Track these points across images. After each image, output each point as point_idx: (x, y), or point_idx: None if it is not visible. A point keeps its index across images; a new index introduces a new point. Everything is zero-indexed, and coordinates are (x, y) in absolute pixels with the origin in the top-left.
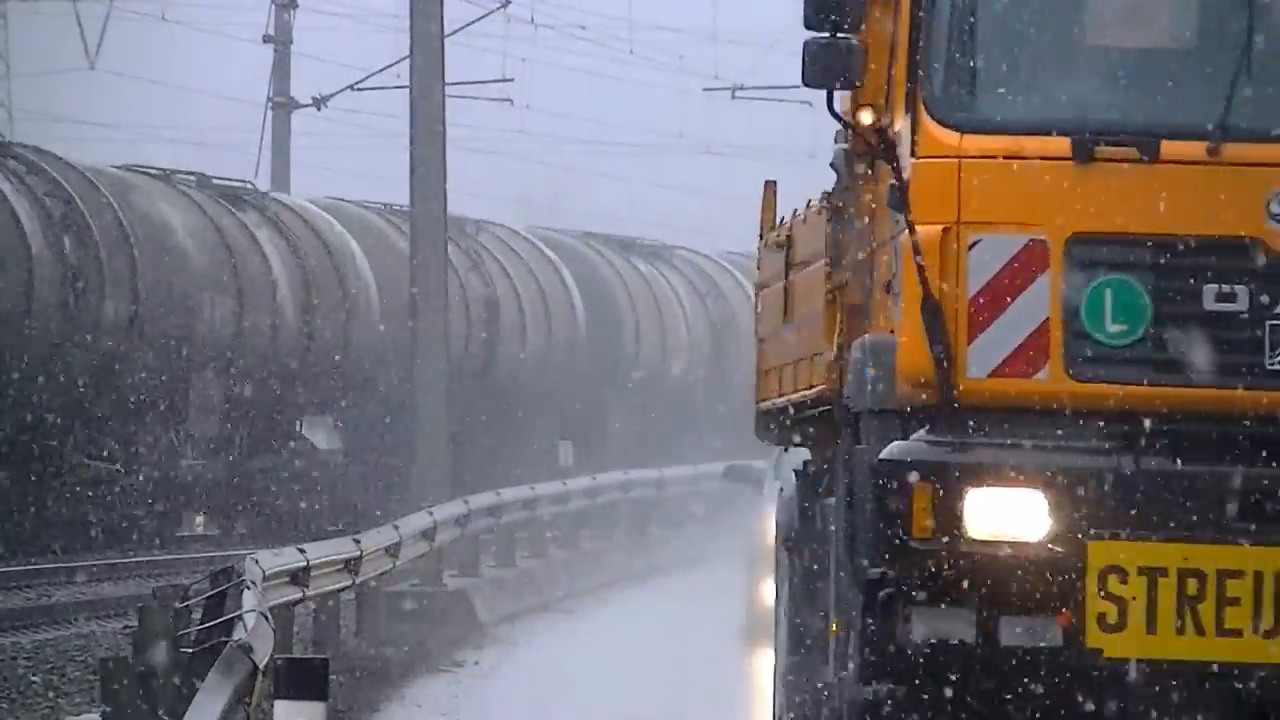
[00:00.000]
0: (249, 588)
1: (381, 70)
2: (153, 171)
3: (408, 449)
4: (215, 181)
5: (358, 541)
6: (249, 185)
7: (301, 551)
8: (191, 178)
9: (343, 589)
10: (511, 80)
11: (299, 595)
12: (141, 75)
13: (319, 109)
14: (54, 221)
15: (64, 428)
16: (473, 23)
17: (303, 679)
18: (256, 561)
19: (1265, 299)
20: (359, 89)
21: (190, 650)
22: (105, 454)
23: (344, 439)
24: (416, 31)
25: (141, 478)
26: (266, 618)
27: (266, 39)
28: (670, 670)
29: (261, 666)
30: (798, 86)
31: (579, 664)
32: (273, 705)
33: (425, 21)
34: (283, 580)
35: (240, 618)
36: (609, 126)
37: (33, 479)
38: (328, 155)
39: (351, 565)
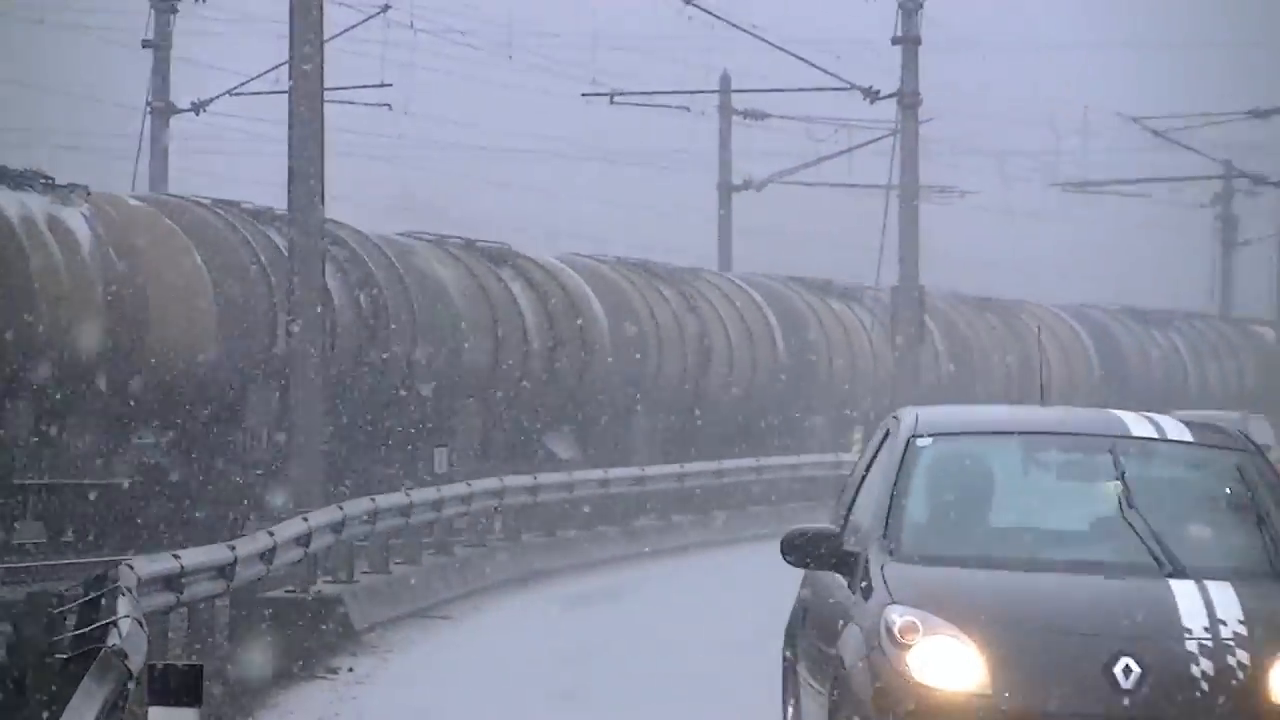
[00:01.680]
0: (124, 593)
1: (260, 75)
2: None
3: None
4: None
5: (232, 548)
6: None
7: (176, 557)
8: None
9: (218, 595)
10: (391, 85)
11: (173, 601)
12: (11, 79)
13: (197, 114)
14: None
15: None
16: (352, 27)
17: (177, 685)
18: (131, 567)
19: None
20: (236, 94)
21: (65, 656)
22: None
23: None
24: (295, 36)
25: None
26: (141, 623)
27: (146, 44)
28: (545, 675)
29: (136, 672)
30: (676, 91)
31: (455, 671)
32: (146, 711)
33: (304, 27)
34: (157, 586)
35: (115, 623)
36: (488, 131)
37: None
38: (205, 160)
39: (226, 571)
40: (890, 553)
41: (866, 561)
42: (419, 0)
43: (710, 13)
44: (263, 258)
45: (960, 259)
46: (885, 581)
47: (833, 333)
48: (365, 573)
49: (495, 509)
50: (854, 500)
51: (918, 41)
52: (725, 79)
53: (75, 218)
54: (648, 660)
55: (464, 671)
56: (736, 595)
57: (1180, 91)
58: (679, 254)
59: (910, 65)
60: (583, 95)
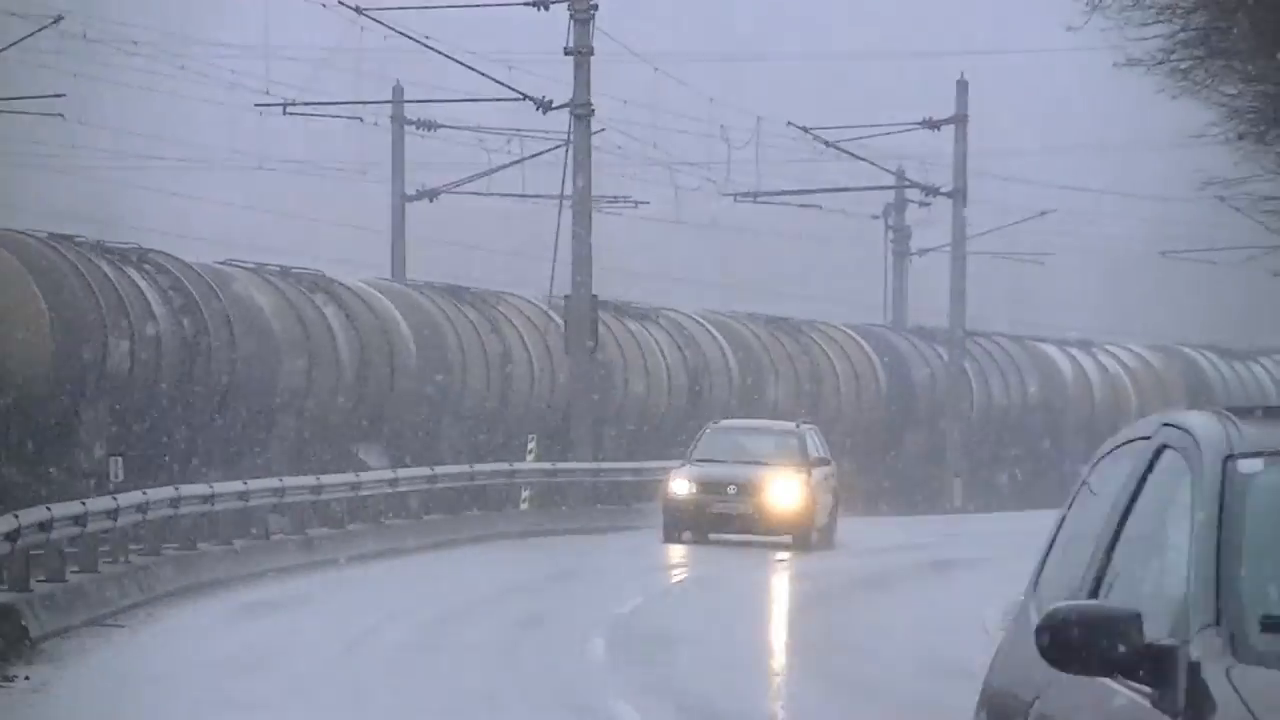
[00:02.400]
0: None
1: None
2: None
3: None
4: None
5: None
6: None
7: None
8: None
9: None
10: (63, 95)
11: None
12: None
13: None
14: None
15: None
16: (25, 38)
17: None
18: None
19: None
20: None
21: None
22: None
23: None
24: None
25: None
26: None
27: None
28: (218, 680)
29: None
30: (349, 102)
31: (132, 678)
32: None
33: None
34: None
35: None
36: (161, 142)
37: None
38: None
39: None
40: (1233, 650)
41: (1191, 664)
42: (93, 10)
43: (383, 24)
44: (94, 284)
45: (635, 269)
46: (1241, 698)
47: (629, 350)
48: (41, 580)
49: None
50: (1107, 558)
51: (590, 52)
52: (398, 90)
53: None
54: (320, 668)
55: (138, 679)
56: (420, 597)
57: (853, 102)
58: (353, 265)
59: (582, 76)
60: (256, 106)
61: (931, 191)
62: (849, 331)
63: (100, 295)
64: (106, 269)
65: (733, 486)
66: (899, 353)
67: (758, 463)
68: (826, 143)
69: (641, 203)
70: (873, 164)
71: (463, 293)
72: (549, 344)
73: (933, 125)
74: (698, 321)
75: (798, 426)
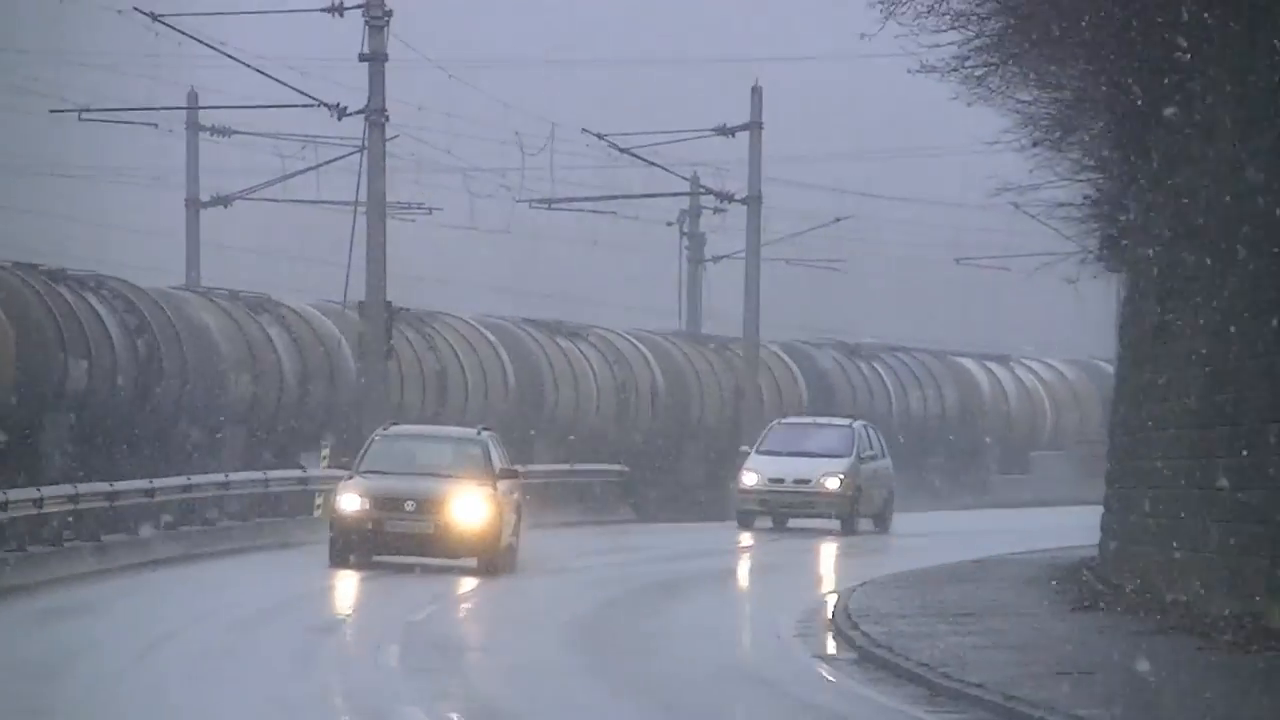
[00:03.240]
0: None
1: None
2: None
3: None
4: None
5: None
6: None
7: None
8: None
9: None
10: None
11: None
12: None
13: None
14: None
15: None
16: None
17: None
18: None
19: None
20: None
21: None
22: None
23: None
24: None
25: None
26: None
27: None
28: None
29: None
30: (144, 108)
31: None
32: None
33: None
34: None
35: None
36: None
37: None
38: None
39: None
40: None
41: None
42: None
43: (178, 30)
44: (54, 309)
45: (430, 275)
46: None
47: (559, 365)
48: None
49: None
50: None
51: (384, 58)
52: (193, 95)
53: None
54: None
55: None
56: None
57: (649, 108)
58: (147, 273)
59: (377, 82)
60: (51, 112)
61: (726, 198)
62: (629, 339)
63: (60, 319)
64: (66, 294)
65: (411, 502)
66: (676, 364)
67: (438, 475)
68: (621, 149)
69: (436, 209)
70: (667, 170)
71: (399, 314)
72: (482, 359)
73: (727, 132)
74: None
75: (479, 434)
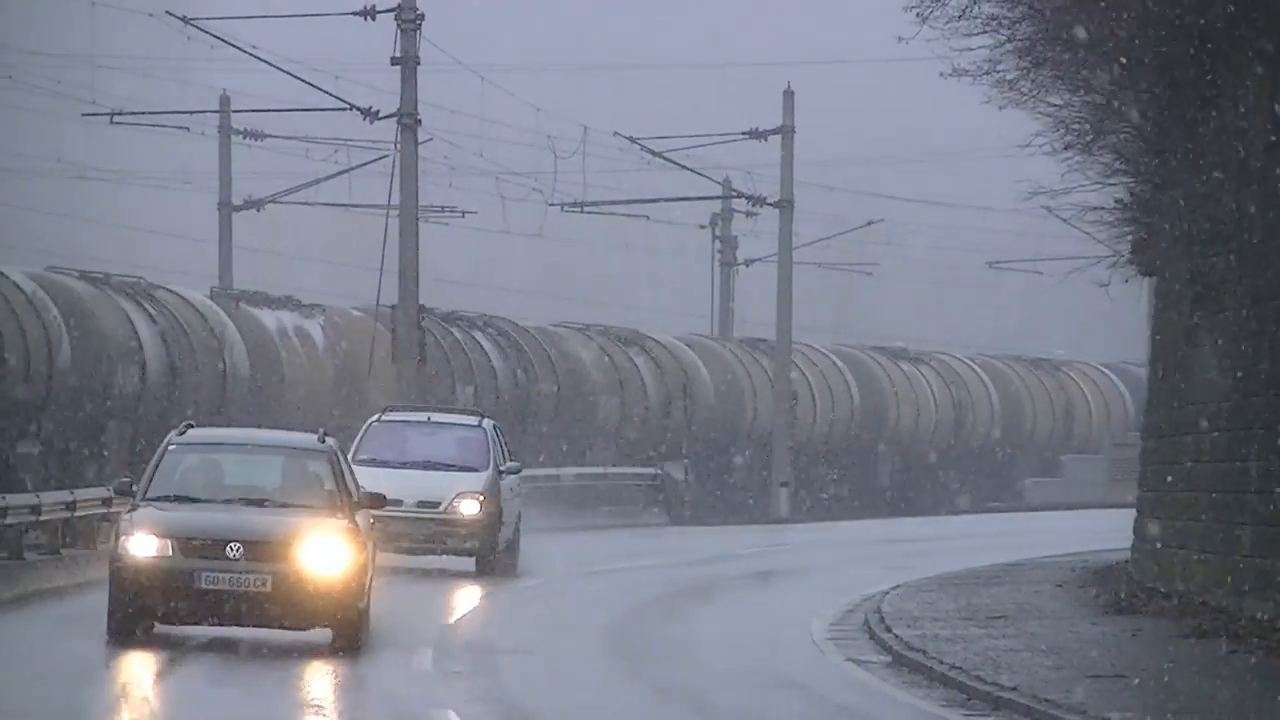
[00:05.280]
0: None
1: None
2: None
3: None
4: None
5: None
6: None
7: None
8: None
9: None
10: None
11: None
12: None
13: None
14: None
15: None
16: None
17: None
18: None
19: None
20: None
21: None
22: None
23: None
24: None
25: None
26: None
27: None
28: None
29: None
30: (176, 111)
31: None
32: None
33: None
34: None
35: None
36: None
37: None
38: None
39: None
40: None
41: None
42: None
43: (210, 33)
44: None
45: (462, 279)
46: None
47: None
48: None
49: None
50: None
51: (417, 62)
52: (225, 99)
53: None
54: None
55: None
56: None
57: (681, 113)
58: (180, 276)
59: (409, 86)
60: (84, 115)
61: (758, 202)
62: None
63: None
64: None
65: (236, 545)
66: (725, 363)
67: (270, 504)
68: (653, 152)
69: (468, 212)
70: (699, 174)
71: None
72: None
73: (759, 136)
74: (528, 331)
75: (322, 440)
